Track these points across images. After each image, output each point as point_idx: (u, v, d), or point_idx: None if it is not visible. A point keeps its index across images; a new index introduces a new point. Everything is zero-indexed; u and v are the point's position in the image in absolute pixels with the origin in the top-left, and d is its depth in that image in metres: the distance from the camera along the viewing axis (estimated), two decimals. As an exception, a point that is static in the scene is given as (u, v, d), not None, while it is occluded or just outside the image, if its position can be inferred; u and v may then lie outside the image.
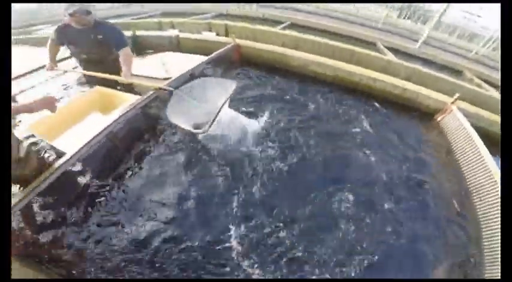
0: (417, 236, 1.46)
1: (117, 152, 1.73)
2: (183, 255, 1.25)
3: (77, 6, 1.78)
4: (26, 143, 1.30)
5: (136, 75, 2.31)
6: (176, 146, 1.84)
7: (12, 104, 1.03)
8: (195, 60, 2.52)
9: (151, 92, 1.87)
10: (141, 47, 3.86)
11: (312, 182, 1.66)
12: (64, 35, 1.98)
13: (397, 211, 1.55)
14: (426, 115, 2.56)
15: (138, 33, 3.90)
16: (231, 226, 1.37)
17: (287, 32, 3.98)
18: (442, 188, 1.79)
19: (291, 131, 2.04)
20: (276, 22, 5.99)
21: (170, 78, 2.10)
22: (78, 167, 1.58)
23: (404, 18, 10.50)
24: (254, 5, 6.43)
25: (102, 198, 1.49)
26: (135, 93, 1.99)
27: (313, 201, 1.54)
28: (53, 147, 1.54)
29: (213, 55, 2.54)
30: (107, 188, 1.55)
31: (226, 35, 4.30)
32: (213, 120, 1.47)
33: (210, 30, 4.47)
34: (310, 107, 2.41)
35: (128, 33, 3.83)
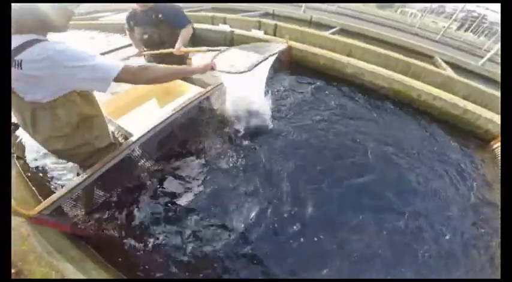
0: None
1: (175, 139, 1.84)
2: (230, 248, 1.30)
3: None
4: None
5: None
6: (229, 141, 1.93)
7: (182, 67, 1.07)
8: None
9: (212, 87, 1.94)
10: (196, 39, 4.06)
11: (353, 195, 1.62)
12: (131, 19, 2.13)
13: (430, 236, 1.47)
14: (482, 140, 2.32)
15: (195, 25, 4.12)
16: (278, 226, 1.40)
17: (338, 37, 3.88)
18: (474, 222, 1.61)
19: (337, 140, 2.00)
20: (324, 26, 5.85)
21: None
22: (140, 150, 1.68)
23: (466, 31, 9.58)
24: (303, 6, 6.34)
25: (155, 184, 1.59)
26: (197, 84, 2.09)
27: (354, 212, 1.51)
28: (121, 128, 1.69)
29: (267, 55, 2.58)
30: (161, 173, 1.65)
31: (275, 35, 4.34)
32: (256, 65, 1.44)
33: (259, 29, 4.56)
34: (360, 118, 2.32)
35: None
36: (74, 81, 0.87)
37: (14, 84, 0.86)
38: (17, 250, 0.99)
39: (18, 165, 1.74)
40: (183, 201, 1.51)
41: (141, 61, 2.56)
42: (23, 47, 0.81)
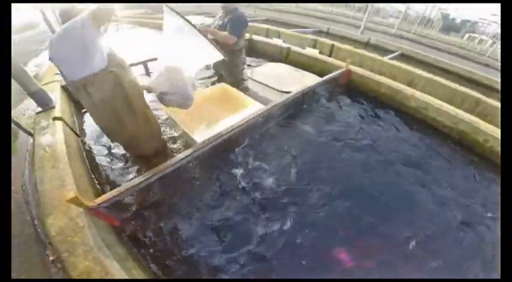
0: None
1: (230, 149, 1.91)
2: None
3: None
4: None
5: (255, 80, 2.50)
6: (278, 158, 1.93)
7: None
8: (306, 77, 2.59)
9: (274, 104, 1.97)
10: (251, 50, 4.21)
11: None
12: (215, 20, 2.32)
13: None
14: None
15: (254, 37, 4.30)
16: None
17: (399, 63, 3.67)
18: None
19: (384, 185, 1.82)
20: (383, 50, 5.60)
21: (289, 92, 2.22)
22: (200, 158, 1.74)
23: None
24: (361, 27, 6.18)
25: (206, 192, 1.63)
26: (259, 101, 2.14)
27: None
28: (186, 134, 1.80)
29: (327, 77, 2.57)
30: (214, 182, 1.70)
31: (330, 55, 4.29)
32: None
33: (314, 47, 4.55)
34: (412, 160, 2.08)
35: (246, 35, 4.27)
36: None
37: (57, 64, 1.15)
38: (69, 240, 1.02)
39: (83, 150, 1.93)
40: (232, 212, 1.51)
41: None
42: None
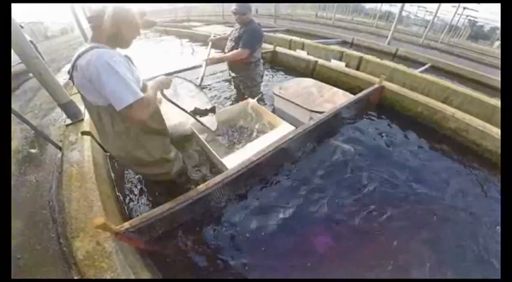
0: None
1: (261, 171, 1.80)
2: None
3: (237, 5, 1.99)
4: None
5: (283, 98, 2.40)
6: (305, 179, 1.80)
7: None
8: (338, 95, 2.45)
9: (306, 127, 1.87)
10: (275, 63, 4.12)
11: None
12: (231, 30, 2.29)
13: None
14: None
15: (278, 49, 4.22)
16: None
17: (433, 77, 3.43)
18: None
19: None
20: (412, 61, 5.34)
21: (320, 112, 2.10)
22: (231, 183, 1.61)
23: None
24: (388, 37, 5.93)
25: (234, 216, 1.58)
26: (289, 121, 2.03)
27: None
28: (215, 157, 1.72)
29: (361, 95, 2.40)
30: (240, 206, 1.64)
31: (358, 68, 4.12)
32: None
33: (341, 59, 4.40)
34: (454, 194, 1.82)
35: (269, 47, 4.22)
36: (101, 95, 0.91)
37: (78, 88, 0.97)
38: (96, 265, 1.01)
39: (110, 168, 1.90)
40: (255, 236, 1.46)
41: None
42: (83, 53, 0.90)
